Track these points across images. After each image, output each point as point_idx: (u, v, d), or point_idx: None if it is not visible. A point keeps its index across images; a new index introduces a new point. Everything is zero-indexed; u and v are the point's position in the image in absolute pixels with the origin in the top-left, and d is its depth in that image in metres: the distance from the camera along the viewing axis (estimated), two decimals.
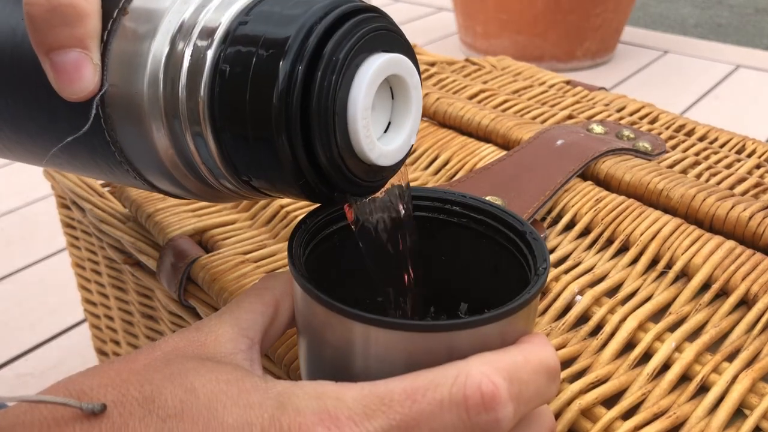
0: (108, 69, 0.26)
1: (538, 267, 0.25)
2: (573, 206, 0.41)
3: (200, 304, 0.38)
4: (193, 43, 0.25)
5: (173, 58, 0.25)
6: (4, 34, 0.29)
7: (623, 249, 0.38)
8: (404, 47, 0.25)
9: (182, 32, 0.25)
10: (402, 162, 0.27)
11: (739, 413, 0.29)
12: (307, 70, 0.23)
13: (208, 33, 0.25)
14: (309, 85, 0.23)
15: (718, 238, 0.37)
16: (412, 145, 0.27)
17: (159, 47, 0.25)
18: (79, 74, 0.25)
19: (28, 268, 0.88)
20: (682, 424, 0.29)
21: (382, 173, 0.26)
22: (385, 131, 0.26)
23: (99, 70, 0.26)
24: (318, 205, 0.28)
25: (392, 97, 0.26)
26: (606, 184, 0.43)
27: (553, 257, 0.38)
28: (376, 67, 0.24)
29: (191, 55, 0.25)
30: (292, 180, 0.24)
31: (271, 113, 0.23)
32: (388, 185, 0.27)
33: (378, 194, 0.27)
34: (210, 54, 0.24)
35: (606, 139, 0.47)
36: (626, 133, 0.48)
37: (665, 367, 0.31)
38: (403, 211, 0.28)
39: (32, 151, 0.31)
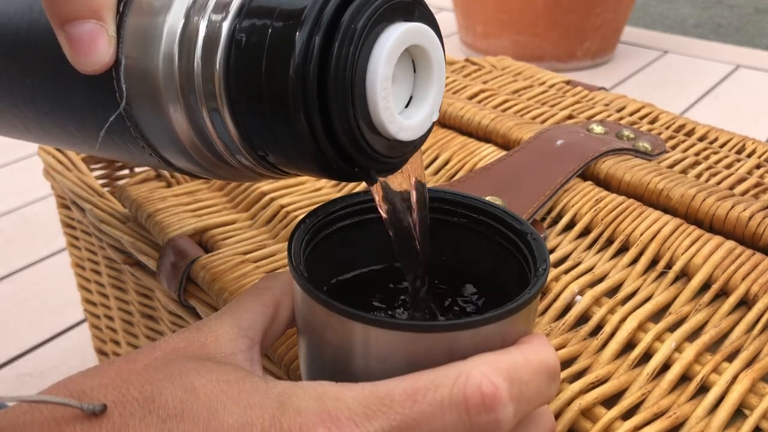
0: (123, 42, 0.26)
1: (538, 267, 0.25)
2: (573, 206, 0.41)
3: (200, 304, 0.38)
4: (207, 16, 0.24)
5: (188, 32, 0.25)
6: (21, 11, 0.29)
7: (623, 249, 0.38)
8: (427, 17, 0.25)
9: (197, 6, 0.25)
10: (424, 138, 0.26)
11: (739, 413, 0.29)
12: (324, 41, 0.22)
13: (222, 6, 0.24)
14: (327, 56, 0.22)
15: (718, 238, 0.37)
16: (434, 122, 0.26)
17: (174, 21, 0.25)
18: (94, 46, 0.25)
19: (28, 268, 0.88)
20: (682, 424, 0.29)
21: (403, 149, 0.25)
22: (407, 106, 0.25)
23: (114, 42, 0.25)
24: (318, 205, 0.28)
25: (414, 71, 0.25)
26: (606, 184, 0.43)
27: (553, 257, 0.38)
28: (396, 36, 0.23)
29: (206, 28, 0.24)
30: (309, 154, 0.24)
31: (288, 86, 0.22)
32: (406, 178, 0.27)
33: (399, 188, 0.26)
34: (225, 26, 0.24)
35: (606, 139, 0.47)
36: (626, 133, 0.48)
37: (665, 367, 0.31)
38: (416, 211, 0.27)
39: (49, 130, 0.31)
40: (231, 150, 0.26)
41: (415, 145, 0.26)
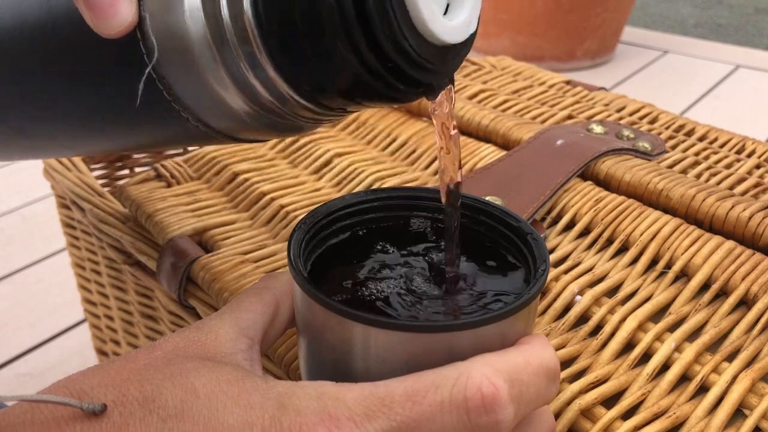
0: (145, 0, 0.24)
1: (538, 268, 0.25)
2: (573, 206, 0.41)
3: (200, 304, 0.38)
4: None
5: None
6: (37, 1, 0.28)
7: (623, 249, 0.38)
8: None
9: None
10: (470, 42, 0.25)
11: (738, 413, 0.29)
12: None
13: None
14: None
15: (717, 238, 0.37)
16: (476, 30, 0.25)
17: None
18: (114, 9, 0.24)
19: (28, 268, 0.88)
20: (682, 424, 0.29)
21: (448, 55, 0.24)
22: (445, 14, 0.24)
23: (135, 2, 0.24)
24: (318, 205, 0.28)
25: None
26: (606, 184, 0.43)
27: (553, 257, 0.38)
28: None
29: None
30: (353, 74, 0.22)
31: (323, 3, 0.21)
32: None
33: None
34: None
35: (606, 139, 0.47)
36: (626, 133, 0.48)
37: (665, 367, 0.31)
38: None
39: (80, 126, 0.30)
40: (273, 94, 0.24)
41: (460, 52, 0.25)
